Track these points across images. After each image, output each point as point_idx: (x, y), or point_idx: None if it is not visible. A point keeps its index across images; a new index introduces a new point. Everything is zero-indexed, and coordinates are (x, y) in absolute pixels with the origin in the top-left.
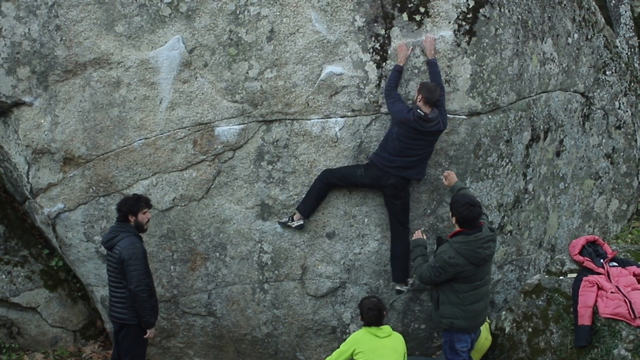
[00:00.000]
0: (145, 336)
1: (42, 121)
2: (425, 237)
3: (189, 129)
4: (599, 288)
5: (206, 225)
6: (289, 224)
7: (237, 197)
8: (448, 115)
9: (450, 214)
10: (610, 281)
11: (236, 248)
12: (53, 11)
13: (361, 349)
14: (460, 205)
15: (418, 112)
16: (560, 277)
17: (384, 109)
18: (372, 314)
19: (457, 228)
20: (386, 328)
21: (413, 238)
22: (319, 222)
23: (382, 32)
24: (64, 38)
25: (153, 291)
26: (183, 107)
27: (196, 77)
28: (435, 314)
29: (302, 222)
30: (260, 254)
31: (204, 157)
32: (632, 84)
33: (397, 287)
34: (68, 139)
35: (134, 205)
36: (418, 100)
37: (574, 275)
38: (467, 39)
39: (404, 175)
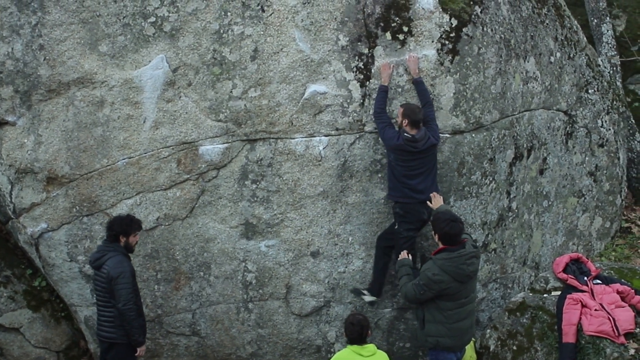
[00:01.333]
0: (136, 354)
1: (26, 140)
2: (410, 256)
3: (172, 148)
4: (583, 306)
5: (190, 245)
6: (364, 295)
7: (221, 216)
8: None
9: (433, 231)
10: (594, 299)
11: (220, 267)
12: (37, 30)
13: None
14: (441, 222)
15: (405, 135)
16: (545, 295)
17: (368, 128)
18: (354, 330)
19: (440, 245)
20: (370, 347)
21: (399, 258)
22: (303, 241)
23: (366, 51)
24: (47, 57)
25: (141, 310)
26: (167, 126)
27: (180, 96)
28: (420, 332)
29: (374, 299)
30: (245, 273)
31: (188, 176)
32: (615, 102)
33: (368, 298)
34: (51, 158)
35: (127, 226)
36: (404, 124)
37: (558, 293)
38: (450, 57)
39: (420, 198)
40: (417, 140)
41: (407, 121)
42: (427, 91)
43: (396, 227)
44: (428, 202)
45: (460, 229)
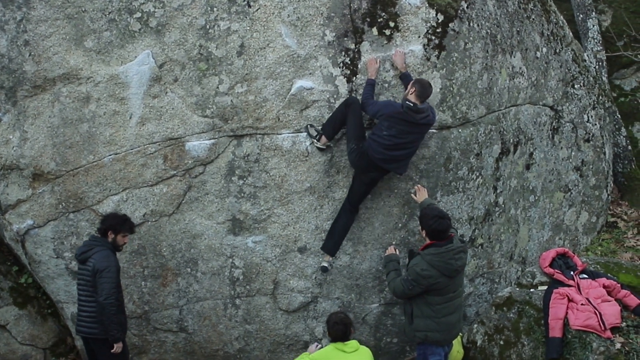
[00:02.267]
0: (112, 350)
1: (11, 137)
2: (397, 252)
3: (159, 144)
4: (570, 300)
5: (177, 241)
6: (314, 139)
7: (208, 212)
8: None
9: (420, 227)
10: (581, 293)
11: (207, 263)
12: (22, 26)
13: None
14: (429, 218)
15: (407, 103)
16: (531, 290)
17: None
18: (338, 329)
19: (427, 241)
20: (353, 343)
21: (386, 253)
22: (290, 237)
23: (352, 46)
24: (32, 53)
25: (122, 307)
26: (153, 122)
27: (166, 92)
28: (409, 327)
29: (324, 147)
30: (232, 269)
31: (175, 172)
32: (600, 97)
33: (323, 264)
34: (37, 154)
35: (119, 224)
36: (410, 93)
37: (545, 287)
38: (437, 53)
39: (389, 167)
40: (420, 111)
41: (414, 89)
42: None
43: (351, 141)
44: (412, 195)
45: (448, 225)
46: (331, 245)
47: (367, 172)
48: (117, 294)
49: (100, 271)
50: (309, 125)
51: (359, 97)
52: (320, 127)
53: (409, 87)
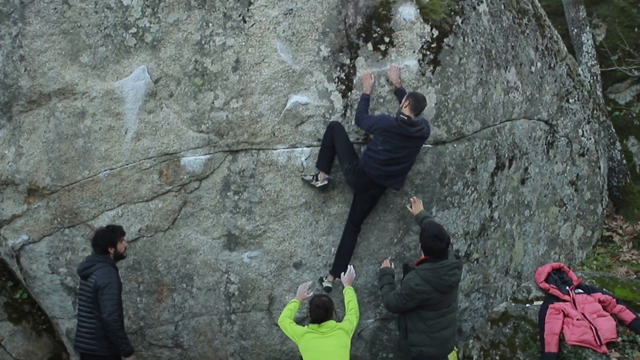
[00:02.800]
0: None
1: (6, 152)
2: (392, 265)
3: (154, 160)
4: (565, 315)
5: (172, 256)
6: (312, 183)
7: (204, 228)
8: None
9: (419, 240)
10: (576, 308)
11: (203, 279)
12: (17, 41)
13: (303, 345)
14: (428, 236)
15: (401, 116)
16: (527, 305)
17: (351, 138)
18: (319, 312)
19: (423, 256)
20: (329, 323)
21: (381, 267)
22: (286, 252)
23: (347, 61)
24: (28, 68)
25: (122, 324)
26: (149, 138)
27: (162, 107)
28: (403, 342)
29: (326, 182)
30: (227, 285)
31: (170, 187)
32: (595, 112)
33: (326, 284)
34: (32, 170)
35: (111, 237)
36: (404, 106)
37: (540, 302)
38: (432, 68)
39: (387, 184)
40: (414, 124)
41: (408, 102)
42: None
43: (344, 162)
44: (408, 207)
45: (445, 247)
46: (341, 268)
47: (366, 190)
48: (119, 310)
49: (102, 288)
50: (302, 176)
51: (354, 113)
52: (310, 177)
53: (404, 100)
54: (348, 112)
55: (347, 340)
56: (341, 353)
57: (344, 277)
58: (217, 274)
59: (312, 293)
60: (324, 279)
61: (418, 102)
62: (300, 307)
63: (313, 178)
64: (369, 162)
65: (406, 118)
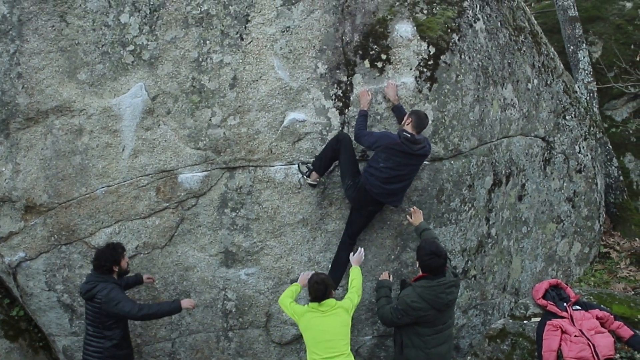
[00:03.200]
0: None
1: (3, 169)
2: (391, 278)
3: (152, 177)
4: (563, 332)
5: (169, 273)
6: (305, 174)
7: (201, 245)
8: None
9: (416, 257)
10: (574, 325)
11: (200, 296)
12: (15, 59)
13: (303, 324)
14: (425, 253)
15: (404, 134)
16: (524, 322)
17: None
18: (319, 288)
19: (420, 272)
20: (329, 301)
21: (380, 279)
22: (283, 269)
23: (345, 79)
24: (25, 86)
25: (129, 342)
26: (146, 155)
27: (159, 125)
28: (399, 357)
29: (316, 183)
30: (224, 302)
31: (167, 204)
32: (592, 128)
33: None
34: (29, 187)
35: (113, 255)
36: (407, 124)
37: (538, 319)
38: (429, 85)
39: (387, 201)
40: (417, 142)
41: (411, 120)
42: None
43: (346, 177)
44: (408, 217)
45: (442, 264)
46: (335, 281)
47: (366, 207)
48: (124, 329)
49: (114, 305)
50: (300, 163)
51: (351, 130)
52: (311, 164)
53: (405, 118)
54: (345, 129)
55: (348, 318)
56: (342, 331)
57: (353, 257)
58: (214, 291)
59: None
60: None
61: (420, 120)
62: (300, 290)
63: (307, 172)
64: (371, 179)
65: (409, 135)
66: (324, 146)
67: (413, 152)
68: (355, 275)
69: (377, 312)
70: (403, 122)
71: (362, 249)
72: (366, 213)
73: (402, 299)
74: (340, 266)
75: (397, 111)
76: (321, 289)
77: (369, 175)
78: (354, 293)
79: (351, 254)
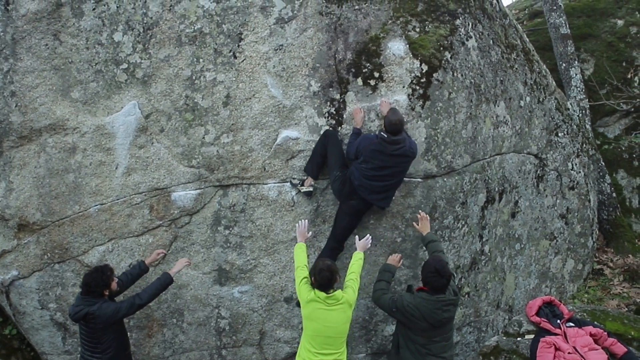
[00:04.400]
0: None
1: None
2: (399, 264)
3: (145, 194)
4: (557, 349)
5: (163, 292)
6: (299, 187)
7: (194, 263)
8: (404, 178)
9: (420, 270)
10: (568, 342)
11: (193, 314)
12: (8, 77)
13: (307, 312)
14: (429, 271)
15: (382, 134)
16: (518, 339)
17: None
18: (325, 275)
19: (422, 285)
20: (336, 294)
21: (387, 262)
22: (277, 287)
23: (338, 96)
24: (19, 104)
25: (129, 352)
26: (139, 173)
27: (152, 143)
28: (395, 358)
29: (311, 188)
30: (218, 320)
31: (161, 222)
32: (584, 145)
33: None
34: (23, 205)
35: (103, 279)
36: (383, 127)
37: (532, 336)
38: (421, 103)
39: (370, 198)
40: (393, 142)
41: (383, 123)
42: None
43: (334, 169)
44: (415, 224)
45: (444, 284)
46: None
47: (348, 200)
48: (131, 299)
49: (113, 314)
50: (291, 179)
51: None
52: (298, 179)
53: (384, 120)
54: None
55: (350, 313)
56: (344, 329)
57: (359, 242)
58: (207, 309)
59: (311, 233)
60: None
61: (389, 123)
62: (306, 247)
63: (299, 183)
64: (355, 172)
65: (386, 136)
66: (313, 149)
67: (390, 152)
68: (355, 260)
69: (374, 293)
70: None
71: (370, 236)
72: (349, 209)
73: (400, 299)
74: None
75: None
76: (327, 276)
77: (355, 169)
78: (355, 282)
79: (357, 238)
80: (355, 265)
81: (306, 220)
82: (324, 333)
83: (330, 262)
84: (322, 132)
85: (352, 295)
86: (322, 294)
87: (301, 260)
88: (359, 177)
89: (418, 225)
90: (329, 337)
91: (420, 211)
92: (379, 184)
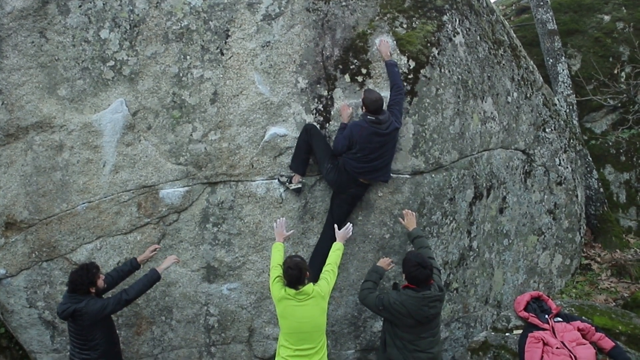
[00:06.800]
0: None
1: None
2: (391, 267)
3: (133, 192)
4: (545, 344)
5: (151, 289)
6: (287, 184)
7: (183, 260)
8: (392, 174)
9: (402, 269)
10: (556, 337)
11: (182, 311)
12: None
13: (280, 310)
14: (411, 265)
15: (368, 117)
16: (507, 334)
17: None
18: (293, 274)
19: (407, 283)
20: (306, 289)
21: (377, 264)
22: (266, 284)
23: (325, 93)
24: (5, 102)
25: (118, 349)
26: (127, 170)
27: (140, 140)
28: (382, 355)
29: (300, 185)
30: (207, 317)
31: (149, 220)
32: (572, 141)
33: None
34: (10, 203)
35: (89, 276)
36: (364, 111)
37: (520, 331)
38: (409, 99)
39: (371, 178)
40: (382, 122)
41: (365, 106)
42: (398, 74)
43: (325, 162)
44: (401, 220)
45: (428, 275)
46: (314, 274)
47: (347, 189)
48: (118, 295)
49: (100, 310)
50: (279, 177)
51: (331, 143)
52: (286, 176)
53: (362, 106)
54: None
55: (325, 304)
56: (318, 322)
57: (339, 232)
58: (196, 306)
59: (293, 231)
60: None
61: (372, 102)
62: (284, 247)
63: (287, 180)
64: (351, 162)
65: (374, 118)
66: (295, 145)
67: (383, 131)
68: (333, 250)
69: (360, 291)
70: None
71: (351, 225)
72: (348, 197)
73: (386, 296)
74: (321, 257)
75: (389, 67)
76: (295, 274)
77: (348, 159)
78: (330, 272)
79: (336, 227)
80: (332, 256)
81: (283, 219)
82: (299, 329)
83: (298, 260)
84: (303, 128)
85: (326, 286)
86: (292, 291)
87: (276, 259)
88: (357, 165)
89: (404, 221)
90: (305, 332)
91: (405, 209)
92: (378, 163)
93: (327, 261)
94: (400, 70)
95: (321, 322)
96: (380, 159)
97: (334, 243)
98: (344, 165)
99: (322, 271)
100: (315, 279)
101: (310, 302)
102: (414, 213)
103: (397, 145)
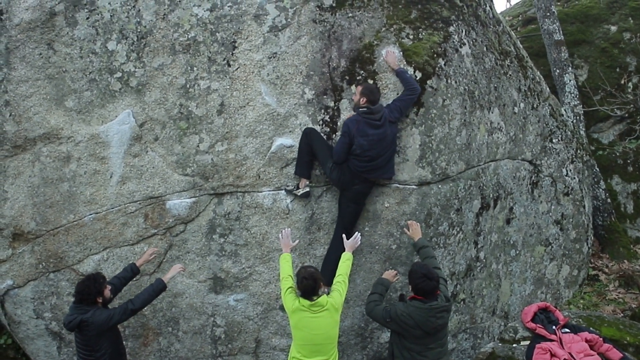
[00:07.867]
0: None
1: None
2: (395, 280)
3: (140, 203)
4: (552, 355)
5: (158, 300)
6: (294, 192)
7: (189, 271)
8: (398, 185)
9: (408, 280)
10: (563, 348)
11: (189, 322)
12: (2, 87)
13: (294, 322)
14: (417, 277)
15: (360, 109)
16: (514, 345)
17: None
18: (308, 284)
19: (413, 294)
20: (321, 301)
21: (383, 276)
22: (272, 295)
23: (332, 104)
24: (13, 113)
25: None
26: (134, 181)
27: (147, 151)
28: None
29: (307, 189)
30: (214, 328)
31: (156, 230)
32: (579, 151)
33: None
34: (17, 214)
35: (95, 286)
36: (361, 102)
37: (527, 342)
38: (415, 109)
39: (374, 176)
40: (374, 111)
41: (364, 100)
42: (411, 78)
43: (327, 161)
44: (405, 230)
45: (434, 287)
46: (327, 277)
47: (351, 186)
48: (124, 304)
49: (106, 320)
50: (285, 187)
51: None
52: (293, 187)
53: (358, 95)
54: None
55: (337, 317)
56: (332, 334)
57: (348, 241)
58: (203, 317)
59: (297, 241)
60: None
61: (373, 93)
62: (291, 257)
63: (295, 187)
64: (354, 161)
65: (366, 108)
66: (298, 150)
67: (376, 122)
68: (343, 261)
69: (367, 304)
70: (356, 99)
71: (359, 234)
72: (353, 195)
73: (393, 308)
74: (333, 260)
75: (400, 75)
76: (310, 284)
77: (351, 158)
78: (342, 284)
79: (344, 237)
80: (343, 267)
81: (289, 229)
82: (313, 341)
83: (313, 270)
84: (302, 134)
85: (339, 298)
86: (307, 302)
87: (286, 270)
88: (359, 164)
89: (409, 231)
90: (318, 344)
91: (409, 220)
92: (380, 160)
93: (338, 272)
94: None
95: (334, 334)
96: (381, 157)
97: (343, 253)
98: (347, 164)
99: (334, 282)
100: (329, 283)
101: (324, 314)
102: (418, 224)
103: (404, 156)
